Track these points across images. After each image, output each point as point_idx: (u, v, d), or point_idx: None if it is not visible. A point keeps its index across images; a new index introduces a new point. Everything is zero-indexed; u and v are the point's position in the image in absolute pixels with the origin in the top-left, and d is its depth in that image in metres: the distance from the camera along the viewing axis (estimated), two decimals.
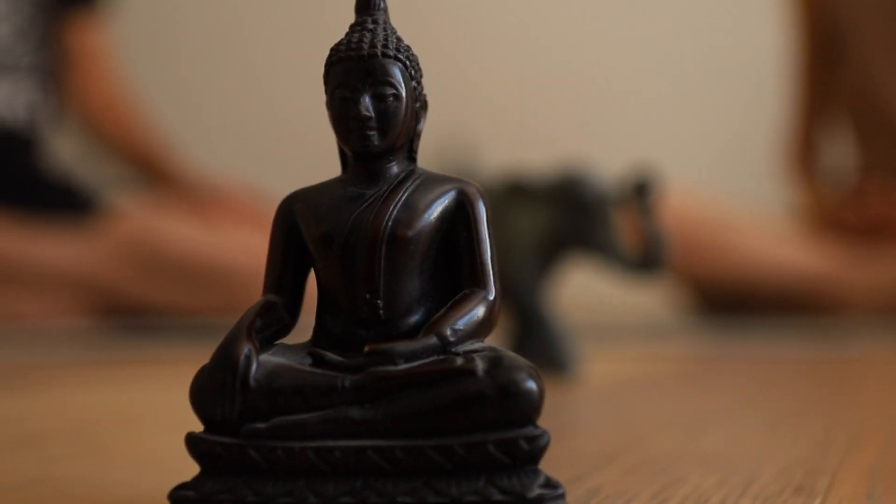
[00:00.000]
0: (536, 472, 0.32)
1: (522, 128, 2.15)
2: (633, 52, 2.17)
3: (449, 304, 0.34)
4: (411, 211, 0.34)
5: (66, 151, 1.70)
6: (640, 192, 0.79)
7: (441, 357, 0.32)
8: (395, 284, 0.34)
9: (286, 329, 0.35)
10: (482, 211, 0.35)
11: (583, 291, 1.95)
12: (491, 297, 0.34)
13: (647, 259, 0.78)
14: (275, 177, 1.94)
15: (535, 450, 0.32)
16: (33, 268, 1.38)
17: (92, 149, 1.63)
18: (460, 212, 0.35)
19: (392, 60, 0.34)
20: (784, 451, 0.48)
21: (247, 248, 1.44)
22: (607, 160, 2.18)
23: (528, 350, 0.80)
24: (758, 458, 0.46)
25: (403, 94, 0.34)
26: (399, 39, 0.35)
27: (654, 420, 0.59)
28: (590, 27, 2.19)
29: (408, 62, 0.35)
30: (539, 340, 0.80)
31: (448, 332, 0.33)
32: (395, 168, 0.35)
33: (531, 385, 0.32)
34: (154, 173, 1.56)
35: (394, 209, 0.34)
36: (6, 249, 1.38)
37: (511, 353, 0.33)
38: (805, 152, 1.67)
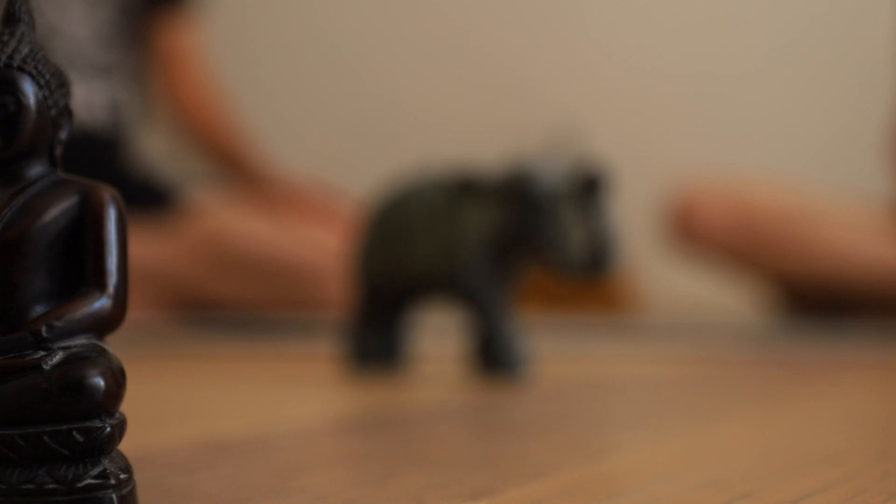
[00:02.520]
0: (96, 464, 0.34)
1: (630, 117, 2.13)
2: (736, 36, 2.12)
3: (59, 304, 0.36)
4: (26, 213, 0.36)
5: (154, 150, 1.77)
6: (590, 188, 0.79)
7: (24, 353, 0.34)
8: (8, 283, 0.36)
9: None
10: (110, 214, 0.37)
11: (672, 290, 1.93)
12: (106, 297, 0.36)
13: (594, 257, 0.78)
14: (355, 175, 1.98)
15: (92, 442, 0.34)
16: None
17: (180, 147, 1.69)
18: (85, 215, 0.36)
19: (16, 71, 0.36)
20: (559, 458, 0.48)
21: (317, 245, 1.48)
22: (710, 147, 2.14)
23: (479, 349, 0.80)
24: (530, 464, 0.46)
25: (28, 104, 0.36)
26: (33, 51, 0.37)
27: (515, 425, 0.59)
28: (694, 11, 2.15)
29: (35, 72, 0.37)
30: (488, 339, 0.80)
31: (43, 328, 0.35)
32: (29, 173, 0.37)
33: (95, 381, 0.34)
34: (238, 172, 1.61)
35: (7, 212, 0.36)
36: None
37: (108, 353, 0.35)
38: None
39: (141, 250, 1.47)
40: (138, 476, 0.42)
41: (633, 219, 2.07)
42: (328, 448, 0.51)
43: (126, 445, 0.49)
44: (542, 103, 2.14)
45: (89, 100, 1.54)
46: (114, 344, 0.37)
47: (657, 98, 2.12)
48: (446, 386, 0.77)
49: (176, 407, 0.66)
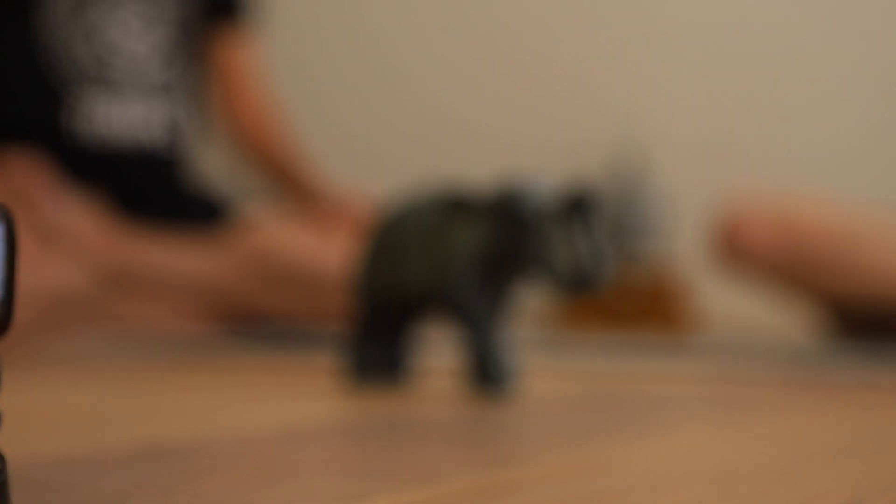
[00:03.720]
0: None
1: (689, 134, 2.12)
2: (792, 54, 2.10)
3: None
4: None
5: (211, 166, 1.82)
6: (578, 207, 0.80)
7: None
8: None
9: None
10: None
11: (731, 309, 1.91)
12: None
13: (580, 276, 0.79)
14: (402, 187, 2.00)
15: None
16: (156, 275, 1.50)
17: (236, 163, 1.74)
18: None
19: None
20: (461, 466, 0.49)
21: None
22: (764, 164, 2.13)
23: (470, 364, 0.82)
24: (425, 472, 0.48)
25: None
26: None
27: (456, 436, 0.61)
28: (750, 28, 2.14)
29: None
30: (478, 354, 0.82)
31: None
32: None
33: None
34: (292, 188, 1.65)
35: None
36: (133, 258, 1.50)
37: None
38: None
39: (194, 264, 1.51)
40: (54, 475, 0.45)
41: (692, 236, 2.07)
42: (254, 455, 0.54)
43: (62, 446, 0.52)
44: (600, 117, 2.15)
45: (148, 118, 1.58)
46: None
47: (713, 115, 2.12)
48: (427, 400, 0.79)
49: (141, 413, 0.69)
